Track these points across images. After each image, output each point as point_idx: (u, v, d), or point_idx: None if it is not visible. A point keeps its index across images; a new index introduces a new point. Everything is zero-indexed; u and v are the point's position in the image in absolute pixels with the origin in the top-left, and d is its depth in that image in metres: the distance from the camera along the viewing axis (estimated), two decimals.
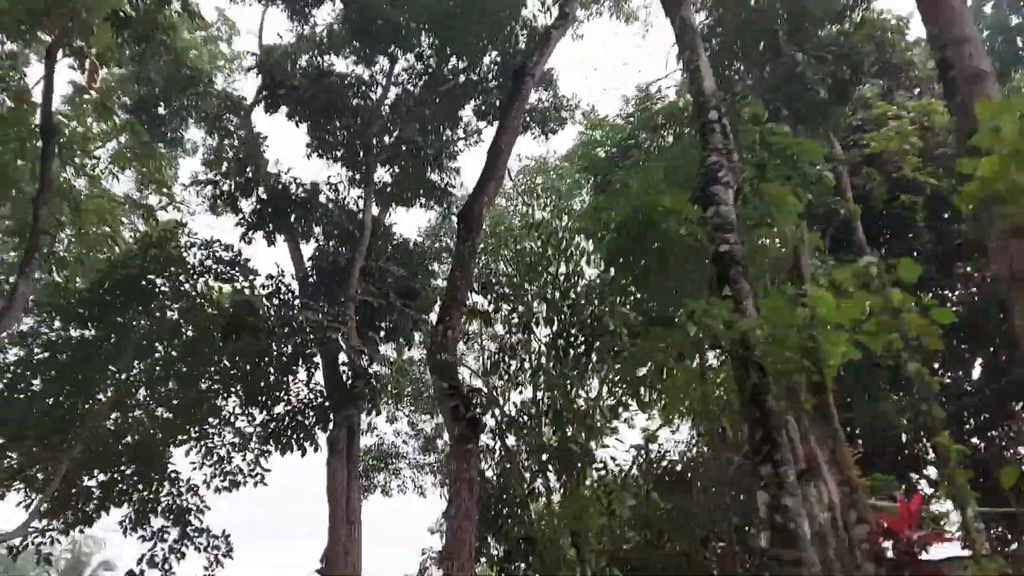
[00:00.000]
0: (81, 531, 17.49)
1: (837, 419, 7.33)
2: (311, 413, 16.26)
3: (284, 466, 17.77)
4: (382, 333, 17.51)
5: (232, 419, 18.66)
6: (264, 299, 16.18)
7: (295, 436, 16.13)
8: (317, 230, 19.01)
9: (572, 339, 10.46)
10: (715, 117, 8.37)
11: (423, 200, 22.44)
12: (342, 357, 16.29)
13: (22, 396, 16.79)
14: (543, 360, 10.73)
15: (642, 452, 10.54)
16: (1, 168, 15.79)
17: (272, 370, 16.39)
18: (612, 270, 10.19)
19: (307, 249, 19.67)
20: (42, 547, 16.59)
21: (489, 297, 11.57)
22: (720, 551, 12.27)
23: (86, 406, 17.10)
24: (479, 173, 11.55)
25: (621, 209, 8.56)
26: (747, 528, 11.69)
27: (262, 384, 16.29)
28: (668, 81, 20.69)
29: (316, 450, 15.86)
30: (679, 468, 12.90)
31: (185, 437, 18.42)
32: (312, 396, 16.53)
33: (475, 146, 23.36)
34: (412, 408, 31.88)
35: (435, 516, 35.60)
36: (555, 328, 10.79)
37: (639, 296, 9.92)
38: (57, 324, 17.98)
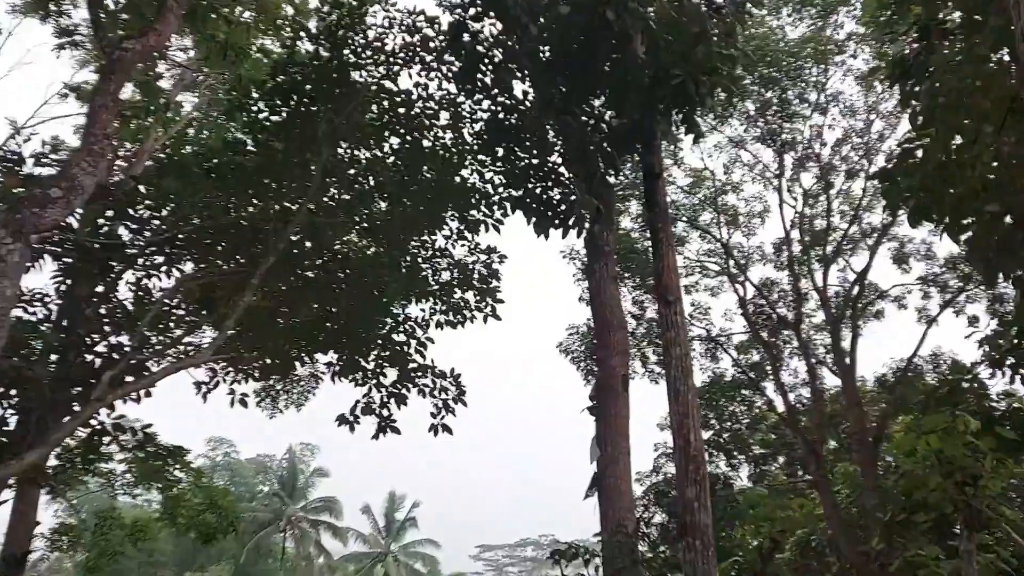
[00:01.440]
0: (284, 379, 14.10)
1: None
2: (569, 182, 11.18)
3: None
4: None
5: (452, 245, 14.56)
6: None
7: (552, 211, 11.22)
8: None
9: None
10: None
11: None
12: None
13: (204, 206, 13.46)
14: None
15: None
16: None
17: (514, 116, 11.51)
18: None
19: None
20: (235, 386, 13.33)
21: None
22: None
23: (276, 224, 13.50)
24: None
25: None
26: None
27: (505, 133, 11.52)
28: None
29: (580, 234, 11.02)
30: None
31: (394, 270, 14.54)
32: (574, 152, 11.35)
33: None
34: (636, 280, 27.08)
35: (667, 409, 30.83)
36: None
37: None
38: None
